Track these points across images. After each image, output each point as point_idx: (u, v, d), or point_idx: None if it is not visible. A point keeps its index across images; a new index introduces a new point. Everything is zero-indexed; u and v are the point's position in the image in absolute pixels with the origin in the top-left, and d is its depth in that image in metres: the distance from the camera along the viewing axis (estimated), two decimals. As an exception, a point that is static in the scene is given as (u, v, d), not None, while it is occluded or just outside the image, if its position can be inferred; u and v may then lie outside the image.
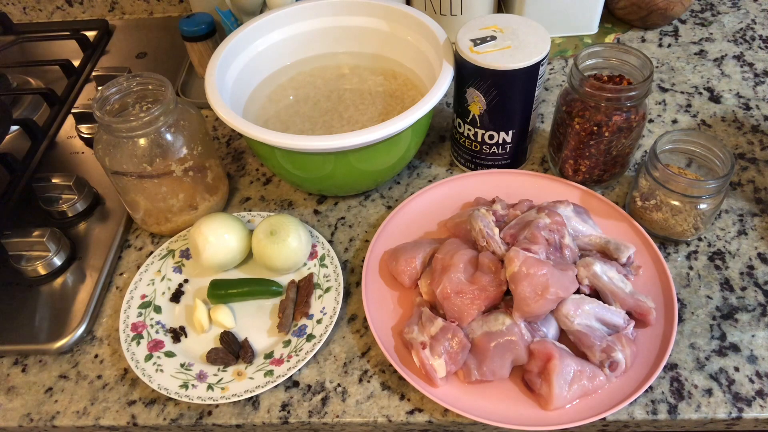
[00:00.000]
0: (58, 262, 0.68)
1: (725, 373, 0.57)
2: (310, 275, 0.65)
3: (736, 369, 0.57)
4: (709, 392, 0.56)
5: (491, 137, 0.69)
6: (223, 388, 0.57)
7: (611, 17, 0.95)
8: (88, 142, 0.83)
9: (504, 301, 0.58)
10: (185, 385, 0.58)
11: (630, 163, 0.72)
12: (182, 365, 0.59)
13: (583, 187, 0.70)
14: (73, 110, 0.83)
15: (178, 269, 0.67)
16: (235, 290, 0.64)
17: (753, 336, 0.59)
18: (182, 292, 0.66)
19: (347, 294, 0.65)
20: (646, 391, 0.56)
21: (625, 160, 0.69)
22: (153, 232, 0.72)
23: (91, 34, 1.01)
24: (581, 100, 0.64)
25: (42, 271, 0.68)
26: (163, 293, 0.65)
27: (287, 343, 0.60)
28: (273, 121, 0.74)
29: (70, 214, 0.73)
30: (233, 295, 0.64)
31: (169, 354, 0.60)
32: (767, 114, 0.80)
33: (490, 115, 0.67)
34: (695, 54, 0.89)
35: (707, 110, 0.81)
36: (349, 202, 0.74)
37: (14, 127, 0.84)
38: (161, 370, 0.59)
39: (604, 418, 0.54)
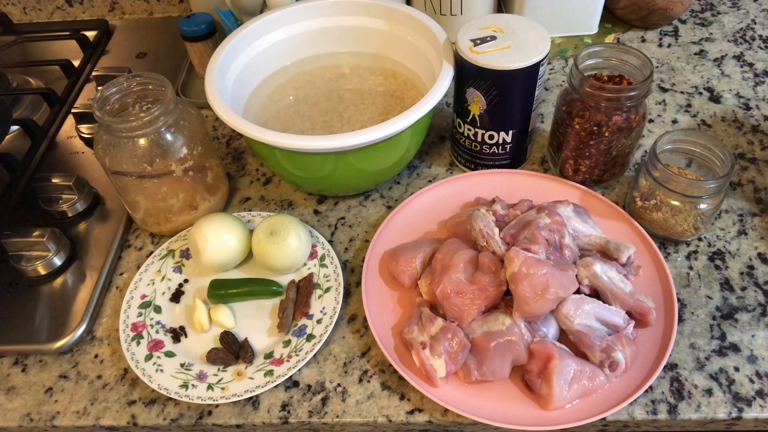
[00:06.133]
0: (58, 262, 0.68)
1: (725, 373, 0.57)
2: (310, 275, 0.65)
3: (736, 369, 0.57)
4: (709, 392, 0.56)
5: (491, 137, 0.69)
6: (223, 388, 0.57)
7: (611, 17, 0.95)
8: (88, 142, 0.83)
9: (504, 301, 0.58)
10: (185, 385, 0.58)
11: (630, 163, 0.72)
12: (182, 365, 0.59)
13: (583, 187, 0.70)
14: (73, 110, 0.83)
15: (178, 269, 0.67)
16: (235, 290, 0.64)
17: (753, 336, 0.59)
18: (182, 292, 0.66)
19: (347, 294, 0.65)
20: (646, 391, 0.56)
21: (625, 160, 0.69)
22: (153, 232, 0.72)
23: (91, 34, 1.00)
24: (581, 100, 0.64)
25: (42, 271, 0.68)
26: (163, 293, 0.65)
27: (287, 343, 0.60)
28: (273, 121, 0.74)
29: (70, 214, 0.73)
30: (233, 295, 0.64)
31: (169, 354, 0.60)
32: (767, 114, 0.80)
33: (490, 115, 0.67)
34: (695, 54, 0.89)
35: (707, 110, 0.81)
36: (349, 202, 0.74)
37: (14, 127, 0.84)
38: (161, 370, 0.59)
39: (604, 418, 0.54)
